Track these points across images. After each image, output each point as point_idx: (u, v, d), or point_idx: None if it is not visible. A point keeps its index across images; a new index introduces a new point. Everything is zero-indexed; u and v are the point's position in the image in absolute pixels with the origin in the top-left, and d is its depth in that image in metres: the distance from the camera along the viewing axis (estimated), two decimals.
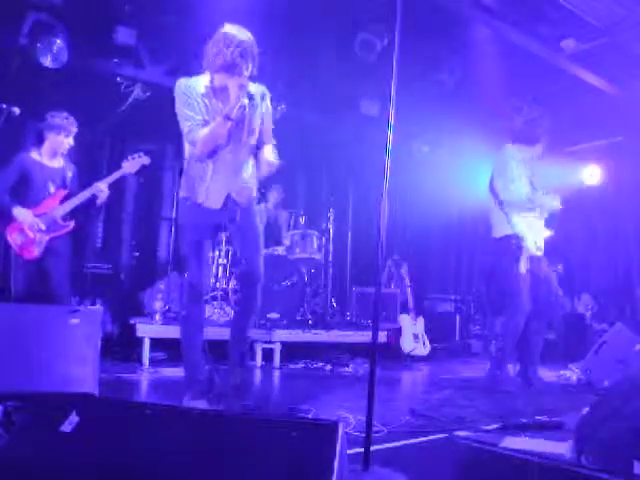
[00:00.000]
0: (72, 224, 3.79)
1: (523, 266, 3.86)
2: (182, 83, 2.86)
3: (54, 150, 3.81)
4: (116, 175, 3.84)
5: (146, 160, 3.92)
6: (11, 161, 3.72)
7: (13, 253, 3.65)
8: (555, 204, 4.05)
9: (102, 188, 3.75)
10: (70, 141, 3.83)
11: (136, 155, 3.90)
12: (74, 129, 3.82)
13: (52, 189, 3.76)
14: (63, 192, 3.79)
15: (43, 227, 3.64)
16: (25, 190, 3.70)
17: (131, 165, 3.86)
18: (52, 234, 3.69)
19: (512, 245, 3.88)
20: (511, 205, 3.90)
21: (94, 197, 3.77)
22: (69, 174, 3.88)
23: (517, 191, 3.90)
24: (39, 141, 3.87)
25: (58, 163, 3.87)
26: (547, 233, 4.12)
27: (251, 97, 2.78)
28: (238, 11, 4.62)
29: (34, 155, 3.79)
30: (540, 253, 3.99)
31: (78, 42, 4.78)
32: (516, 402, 3.50)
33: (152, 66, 5.32)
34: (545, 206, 4.04)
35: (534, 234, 3.97)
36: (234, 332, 3.03)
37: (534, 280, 3.98)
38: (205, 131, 2.74)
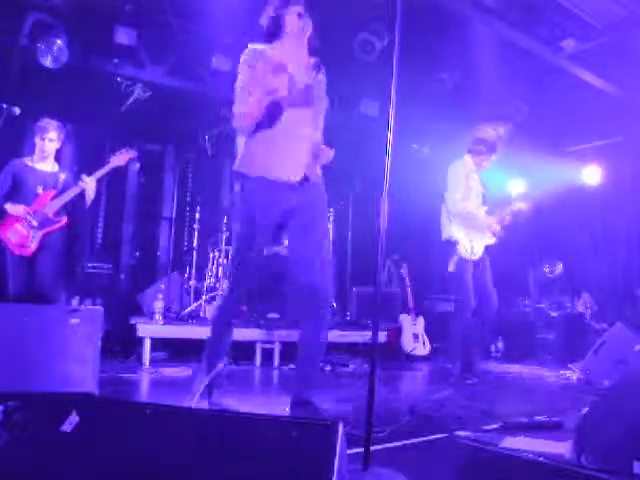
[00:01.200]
0: (64, 219, 3.83)
1: (451, 266, 4.24)
2: (252, 50, 2.56)
3: (41, 153, 3.86)
4: (104, 170, 3.85)
5: (133, 154, 3.95)
6: (4, 167, 3.80)
7: (8, 254, 3.69)
8: (496, 228, 4.39)
9: (87, 181, 3.76)
10: (50, 142, 3.84)
11: (124, 150, 3.92)
12: (53, 130, 3.84)
13: (40, 191, 3.80)
14: (53, 191, 3.83)
15: (35, 223, 3.69)
16: (15, 193, 3.76)
17: (118, 159, 3.89)
18: (45, 229, 3.74)
19: (447, 248, 4.30)
20: (456, 217, 4.29)
21: (83, 192, 3.80)
22: (62, 176, 3.91)
23: (466, 205, 4.28)
24: (33, 148, 3.95)
25: (51, 167, 3.92)
26: (490, 240, 4.41)
27: (319, 66, 2.57)
28: (237, 11, 4.63)
29: (26, 161, 3.87)
30: (474, 257, 4.28)
31: (78, 42, 4.79)
32: (516, 402, 3.50)
33: (152, 66, 5.32)
34: (489, 227, 4.37)
35: (473, 241, 4.30)
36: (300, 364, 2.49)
37: (475, 283, 4.28)
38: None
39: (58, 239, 3.86)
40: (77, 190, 3.78)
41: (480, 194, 4.37)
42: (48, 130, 3.84)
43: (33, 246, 3.70)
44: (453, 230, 4.26)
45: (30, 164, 3.87)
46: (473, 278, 4.27)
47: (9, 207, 3.68)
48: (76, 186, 3.79)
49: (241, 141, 2.60)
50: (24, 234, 3.68)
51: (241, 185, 2.56)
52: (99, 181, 3.91)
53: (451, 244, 4.26)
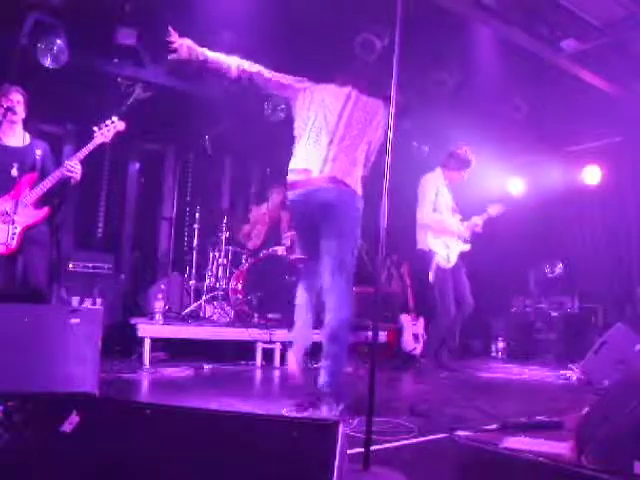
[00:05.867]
0: (46, 210, 3.43)
1: (431, 276, 4.60)
2: None
3: (8, 124, 3.40)
4: (90, 147, 3.44)
5: (120, 125, 3.54)
6: None
7: None
8: (466, 234, 4.81)
9: (73, 165, 3.36)
10: (18, 104, 3.40)
11: (109, 121, 3.51)
12: (13, 92, 3.40)
13: (15, 172, 3.37)
14: (33, 176, 3.41)
15: (15, 218, 3.28)
16: None
17: (104, 134, 3.48)
18: (26, 224, 3.33)
19: (425, 258, 4.65)
20: (427, 227, 4.63)
21: (67, 177, 3.38)
22: (38, 152, 3.48)
23: (434, 216, 4.63)
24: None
25: (22, 141, 3.47)
26: (464, 247, 4.80)
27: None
28: (238, 11, 4.63)
29: None
30: (449, 265, 4.64)
31: (78, 42, 4.78)
32: (516, 402, 3.50)
33: (152, 66, 5.32)
34: (460, 232, 4.75)
35: (448, 249, 4.66)
36: None
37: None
38: None
39: (43, 231, 3.46)
40: (59, 175, 3.36)
41: (449, 206, 4.72)
42: (9, 92, 3.38)
43: (14, 244, 3.28)
44: (430, 241, 4.59)
45: None
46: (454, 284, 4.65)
47: None
48: (57, 171, 3.38)
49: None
50: (2, 230, 3.27)
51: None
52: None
53: (428, 254, 4.60)
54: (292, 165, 2.98)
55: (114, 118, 3.53)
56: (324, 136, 2.88)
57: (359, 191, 2.91)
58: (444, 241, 4.65)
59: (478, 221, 4.78)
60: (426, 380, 4.38)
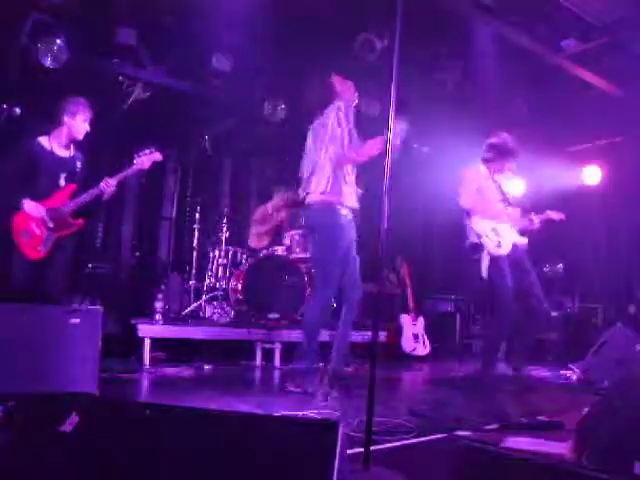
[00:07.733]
0: (81, 222, 3.52)
1: (483, 268, 3.96)
2: None
3: (70, 136, 3.54)
4: (129, 172, 3.63)
5: (158, 156, 3.70)
6: (17, 148, 3.45)
7: (17, 252, 3.35)
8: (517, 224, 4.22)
9: (113, 184, 3.51)
10: (87, 127, 3.58)
11: (147, 151, 3.67)
12: (90, 114, 3.58)
13: (62, 181, 3.49)
14: (73, 187, 3.53)
15: (52, 225, 3.38)
16: (34, 180, 3.41)
17: (143, 161, 3.63)
18: (60, 232, 3.43)
19: (477, 250, 4.03)
20: (474, 212, 4.08)
21: (101, 193, 3.52)
22: (78, 164, 3.62)
23: (483, 202, 4.09)
24: (49, 128, 3.57)
25: (69, 152, 3.59)
26: (520, 240, 4.21)
27: None
28: (238, 11, 4.63)
29: (44, 142, 3.48)
30: (503, 252, 4.01)
31: (78, 42, 4.78)
32: (516, 402, 3.50)
33: (153, 66, 5.32)
34: (509, 219, 4.17)
35: (499, 236, 4.05)
36: None
37: (516, 282, 4.03)
38: None
39: (73, 241, 3.58)
40: (98, 191, 3.49)
41: (500, 200, 4.21)
42: (87, 111, 3.53)
43: (44, 250, 3.37)
44: (476, 225, 4.04)
45: (48, 147, 3.47)
46: (513, 280, 4.03)
47: (28, 206, 3.33)
48: (96, 187, 3.50)
49: None
50: (38, 235, 3.36)
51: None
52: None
53: (476, 245, 4.02)
54: None
55: (152, 149, 3.70)
56: None
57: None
58: (493, 226, 4.06)
59: (535, 218, 4.32)
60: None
